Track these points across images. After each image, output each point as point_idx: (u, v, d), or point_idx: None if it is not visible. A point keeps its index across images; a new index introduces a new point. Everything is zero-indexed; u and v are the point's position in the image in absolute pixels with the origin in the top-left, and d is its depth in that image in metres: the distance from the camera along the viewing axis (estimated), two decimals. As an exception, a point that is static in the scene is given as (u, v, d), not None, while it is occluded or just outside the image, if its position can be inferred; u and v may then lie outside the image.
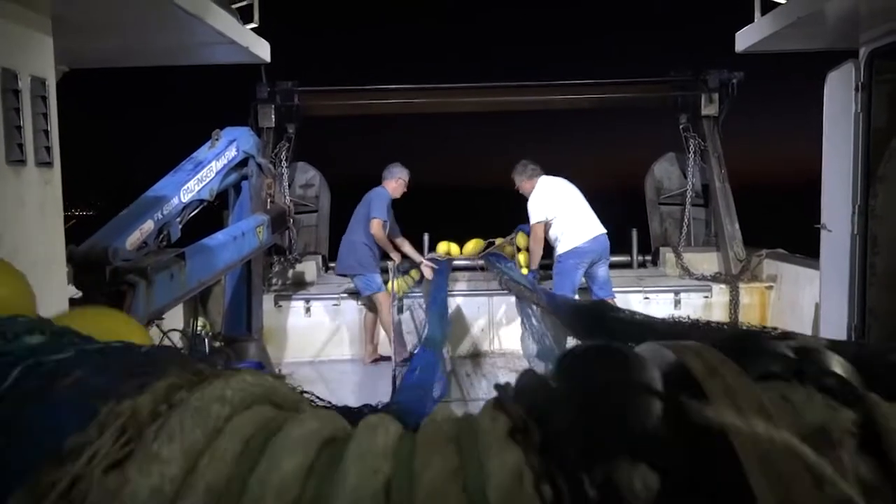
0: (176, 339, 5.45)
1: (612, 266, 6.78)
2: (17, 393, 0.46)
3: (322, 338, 7.21)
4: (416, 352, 5.21)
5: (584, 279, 6.55)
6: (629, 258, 8.68)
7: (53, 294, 3.21)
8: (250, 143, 5.75)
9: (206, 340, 5.79)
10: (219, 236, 4.99)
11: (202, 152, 5.23)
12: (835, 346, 0.52)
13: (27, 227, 3.00)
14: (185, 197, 4.74)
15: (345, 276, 6.87)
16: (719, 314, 7.27)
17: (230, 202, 6.03)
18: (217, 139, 5.37)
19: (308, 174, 8.93)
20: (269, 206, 6.09)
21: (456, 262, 7.62)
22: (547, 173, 6.69)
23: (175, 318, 5.62)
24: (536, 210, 6.46)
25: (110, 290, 3.67)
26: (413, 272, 7.24)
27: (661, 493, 0.39)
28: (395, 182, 6.77)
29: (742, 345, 0.50)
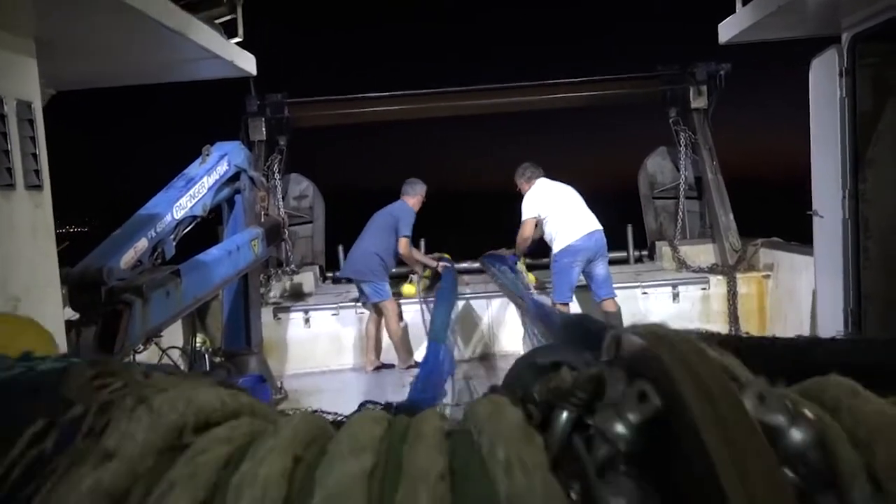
0: (175, 356, 5.45)
1: (610, 263, 6.79)
2: None
3: (323, 348, 7.21)
4: (426, 353, 5.25)
5: (583, 278, 6.56)
6: (626, 254, 8.71)
7: (50, 317, 3.22)
8: (241, 157, 5.75)
9: (206, 356, 5.79)
10: (214, 251, 4.99)
11: (193, 168, 5.23)
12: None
13: (19, 251, 3.01)
14: (178, 213, 4.74)
15: (350, 280, 6.89)
16: (718, 305, 7.29)
17: (224, 217, 6.02)
18: (208, 154, 5.36)
19: (301, 185, 8.94)
20: (263, 219, 6.09)
21: (458, 266, 7.65)
22: (548, 177, 6.75)
23: (174, 335, 5.62)
24: (527, 207, 6.55)
25: (106, 311, 3.67)
26: (426, 273, 7.28)
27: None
28: (417, 198, 6.91)
29: None
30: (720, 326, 7.04)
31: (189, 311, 4.71)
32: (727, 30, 5.30)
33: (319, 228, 8.94)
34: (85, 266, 3.80)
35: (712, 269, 7.67)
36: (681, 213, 8.65)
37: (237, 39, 4.60)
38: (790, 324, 6.59)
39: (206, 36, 3.90)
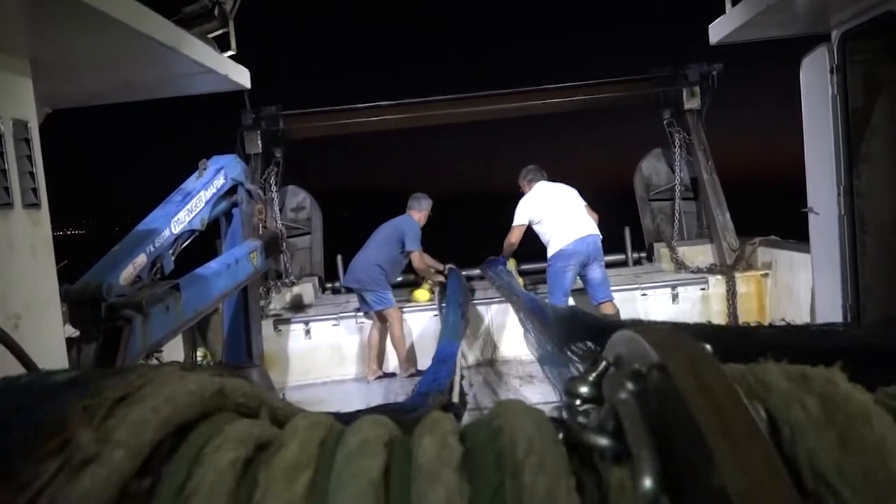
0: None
1: (608, 266, 6.80)
2: None
3: (324, 359, 7.21)
4: (440, 348, 5.29)
5: (580, 281, 6.58)
6: (624, 256, 8.73)
7: (50, 334, 3.23)
8: (238, 170, 5.76)
9: (208, 370, 5.78)
10: (213, 265, 5.00)
11: (190, 183, 5.25)
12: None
13: (19, 270, 3.02)
14: (176, 228, 4.75)
15: (352, 290, 6.91)
16: (717, 305, 7.30)
17: (222, 230, 6.04)
18: (204, 168, 5.38)
19: (298, 197, 8.97)
20: (261, 232, 6.10)
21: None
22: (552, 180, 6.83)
23: (174, 350, 5.62)
24: (518, 214, 6.67)
25: (107, 327, 3.68)
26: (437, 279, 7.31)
27: None
28: (423, 213, 7.00)
29: None
30: (720, 326, 7.03)
31: (189, 325, 4.72)
32: (718, 30, 5.33)
33: (318, 239, 8.96)
34: (84, 283, 3.81)
35: (711, 270, 7.69)
36: (677, 215, 8.68)
37: (230, 53, 4.62)
38: (790, 321, 6.59)
39: (199, 51, 3.91)
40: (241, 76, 4.69)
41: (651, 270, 8.30)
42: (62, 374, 0.44)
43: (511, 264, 7.38)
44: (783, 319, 6.59)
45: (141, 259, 4.29)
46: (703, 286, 7.40)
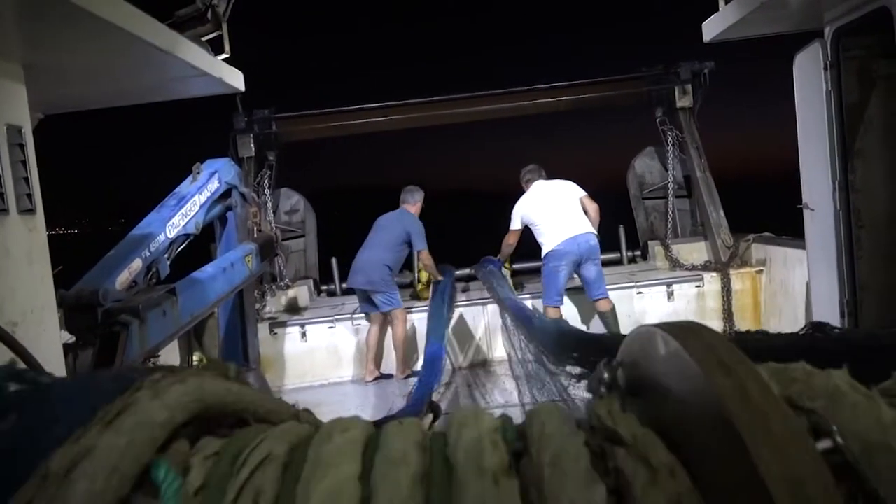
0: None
1: (603, 264, 6.80)
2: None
3: (321, 361, 7.20)
4: (428, 348, 5.31)
5: (578, 279, 6.61)
6: (619, 255, 8.75)
7: (47, 340, 3.20)
8: (232, 174, 5.75)
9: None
10: (208, 269, 4.98)
11: (184, 187, 5.23)
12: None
13: (15, 276, 2.99)
14: (171, 232, 4.74)
15: (352, 291, 6.87)
16: (712, 302, 7.32)
17: (216, 234, 6.02)
18: (198, 172, 5.36)
19: (292, 200, 8.95)
20: (255, 235, 6.09)
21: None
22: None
23: (171, 355, 5.60)
24: (513, 217, 6.74)
25: (103, 332, 3.65)
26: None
27: None
28: (418, 205, 7.01)
29: None
30: (715, 323, 7.06)
31: (186, 329, 4.70)
32: (711, 28, 5.34)
33: (312, 242, 8.94)
34: (80, 288, 3.78)
35: (705, 267, 7.71)
36: (671, 212, 8.69)
37: (224, 56, 4.60)
38: (785, 318, 6.62)
39: (193, 54, 3.89)
40: (235, 79, 4.67)
41: (646, 268, 8.32)
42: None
43: (505, 270, 7.41)
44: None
45: (136, 264, 4.27)
46: (698, 283, 7.43)
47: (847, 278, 4.54)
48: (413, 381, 5.89)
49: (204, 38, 4.45)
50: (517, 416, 0.46)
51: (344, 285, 8.30)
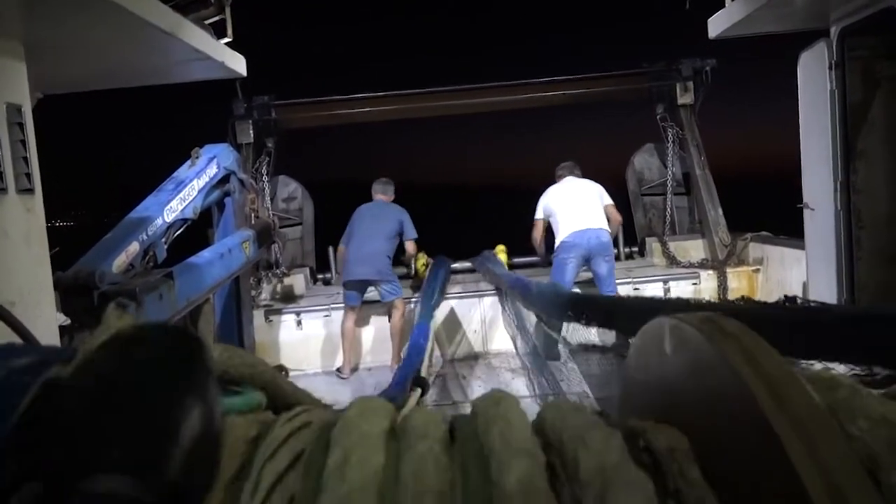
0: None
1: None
2: None
3: (316, 350, 7.18)
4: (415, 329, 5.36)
5: (590, 275, 6.60)
6: (616, 251, 8.73)
7: (43, 322, 3.18)
8: (231, 160, 5.72)
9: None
10: (206, 254, 4.96)
11: (183, 171, 5.19)
12: None
13: (12, 256, 2.97)
14: (169, 217, 4.71)
15: (352, 281, 6.83)
16: (709, 300, 7.32)
17: (214, 219, 5.99)
18: (197, 157, 5.33)
19: (290, 187, 8.91)
20: (253, 222, 6.06)
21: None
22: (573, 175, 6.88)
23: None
24: (537, 209, 6.80)
25: (100, 315, 3.62)
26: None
27: None
28: (393, 196, 7.09)
29: None
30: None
31: (182, 314, 4.67)
32: (717, 24, 5.32)
33: (309, 230, 8.91)
34: (76, 270, 3.75)
35: (702, 264, 7.71)
36: (669, 209, 8.69)
37: (227, 40, 4.57)
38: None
39: (196, 37, 3.86)
40: (238, 63, 4.64)
41: (643, 265, 8.31)
42: None
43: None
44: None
45: (133, 247, 4.25)
46: (694, 281, 7.42)
47: (846, 278, 4.54)
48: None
49: (206, 22, 4.42)
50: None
51: (328, 275, 8.33)
